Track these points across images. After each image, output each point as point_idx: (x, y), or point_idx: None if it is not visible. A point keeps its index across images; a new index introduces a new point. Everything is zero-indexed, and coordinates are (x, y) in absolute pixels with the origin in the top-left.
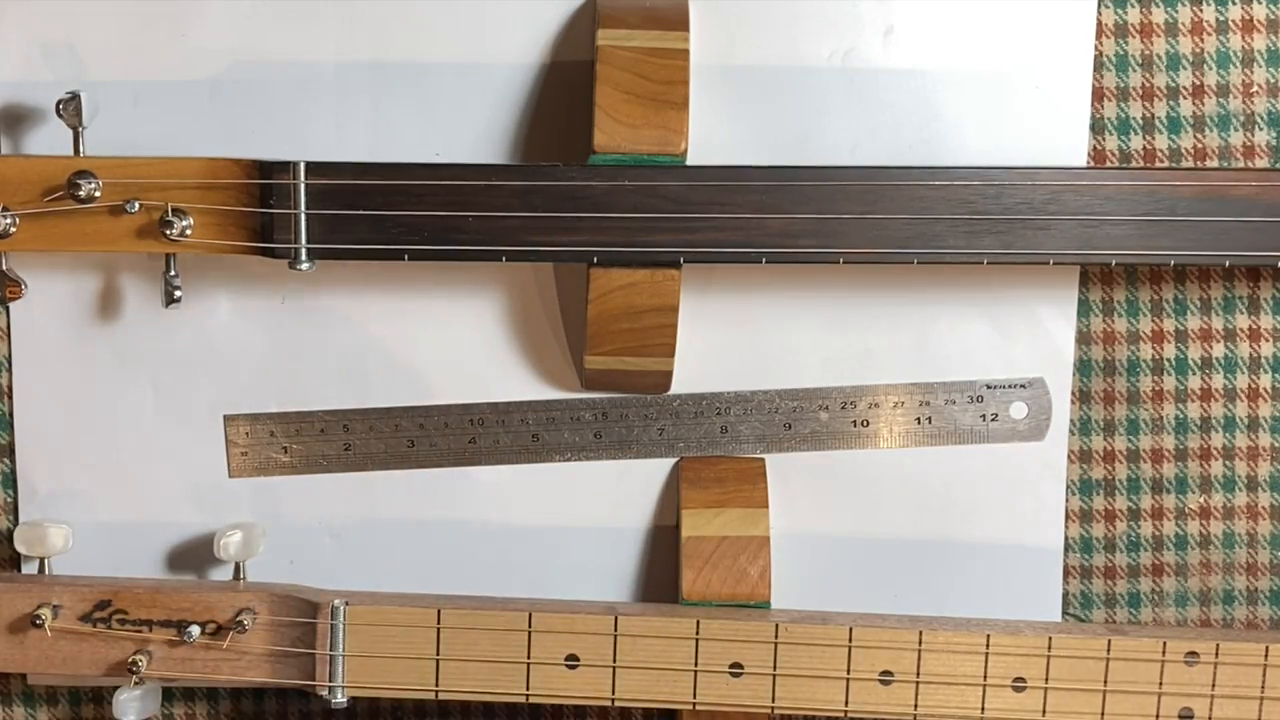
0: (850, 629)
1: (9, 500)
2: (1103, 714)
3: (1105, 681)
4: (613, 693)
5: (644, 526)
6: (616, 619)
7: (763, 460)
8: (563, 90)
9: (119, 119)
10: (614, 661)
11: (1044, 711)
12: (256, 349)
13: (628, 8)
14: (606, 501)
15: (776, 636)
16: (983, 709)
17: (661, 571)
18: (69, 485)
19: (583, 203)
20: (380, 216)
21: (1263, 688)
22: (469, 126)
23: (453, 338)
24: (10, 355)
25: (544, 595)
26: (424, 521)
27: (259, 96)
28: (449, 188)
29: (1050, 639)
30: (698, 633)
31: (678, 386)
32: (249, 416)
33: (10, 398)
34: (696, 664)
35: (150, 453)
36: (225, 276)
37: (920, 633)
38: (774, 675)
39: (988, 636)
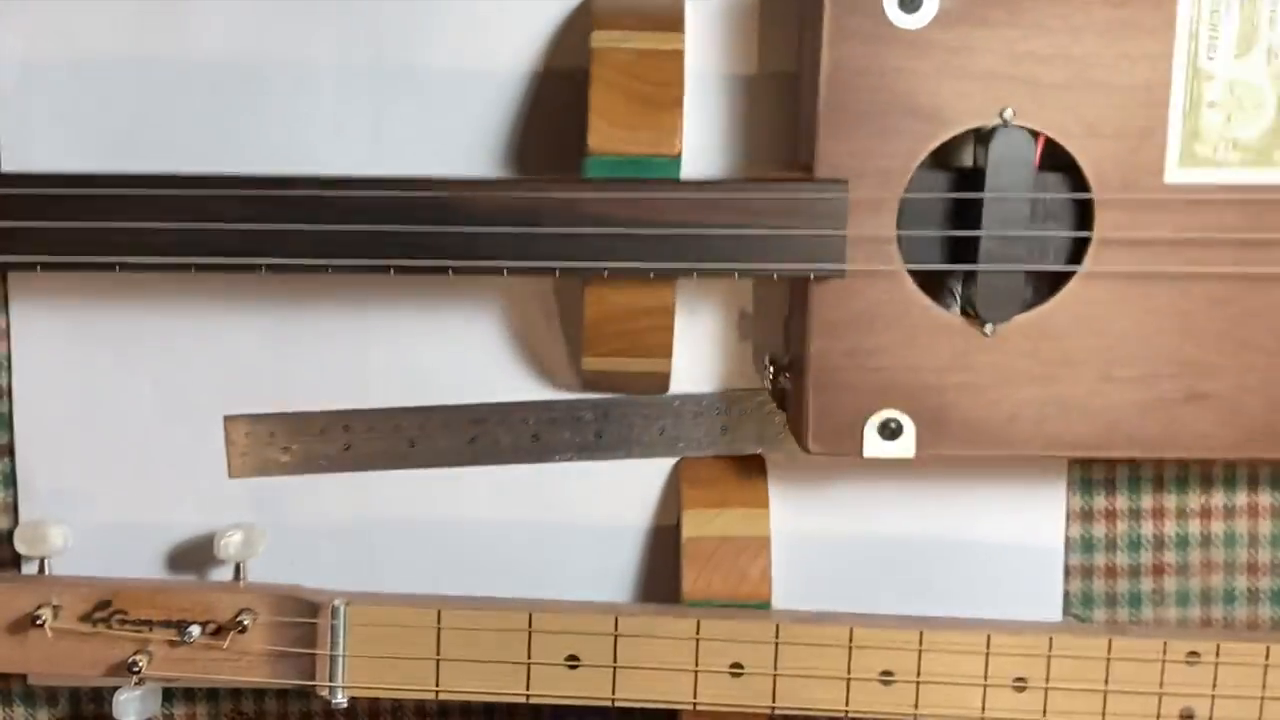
0: (850, 629)
1: (9, 500)
2: (1104, 714)
3: (1106, 681)
4: (613, 693)
5: (644, 526)
6: (617, 619)
7: (763, 460)
8: (560, 93)
9: (119, 127)
10: (614, 661)
11: (1045, 711)
12: (256, 349)
13: (622, 10)
14: (606, 501)
15: (776, 636)
16: (983, 709)
17: (661, 571)
18: (69, 485)
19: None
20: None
21: (1264, 687)
22: (467, 130)
23: (453, 338)
24: (10, 355)
25: (544, 595)
26: (424, 521)
27: (259, 102)
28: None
29: (1051, 638)
30: (698, 633)
31: (677, 386)
32: (249, 417)
33: (10, 398)
34: (697, 664)
35: (150, 453)
36: (225, 276)
37: (920, 632)
38: (774, 675)
39: (988, 636)
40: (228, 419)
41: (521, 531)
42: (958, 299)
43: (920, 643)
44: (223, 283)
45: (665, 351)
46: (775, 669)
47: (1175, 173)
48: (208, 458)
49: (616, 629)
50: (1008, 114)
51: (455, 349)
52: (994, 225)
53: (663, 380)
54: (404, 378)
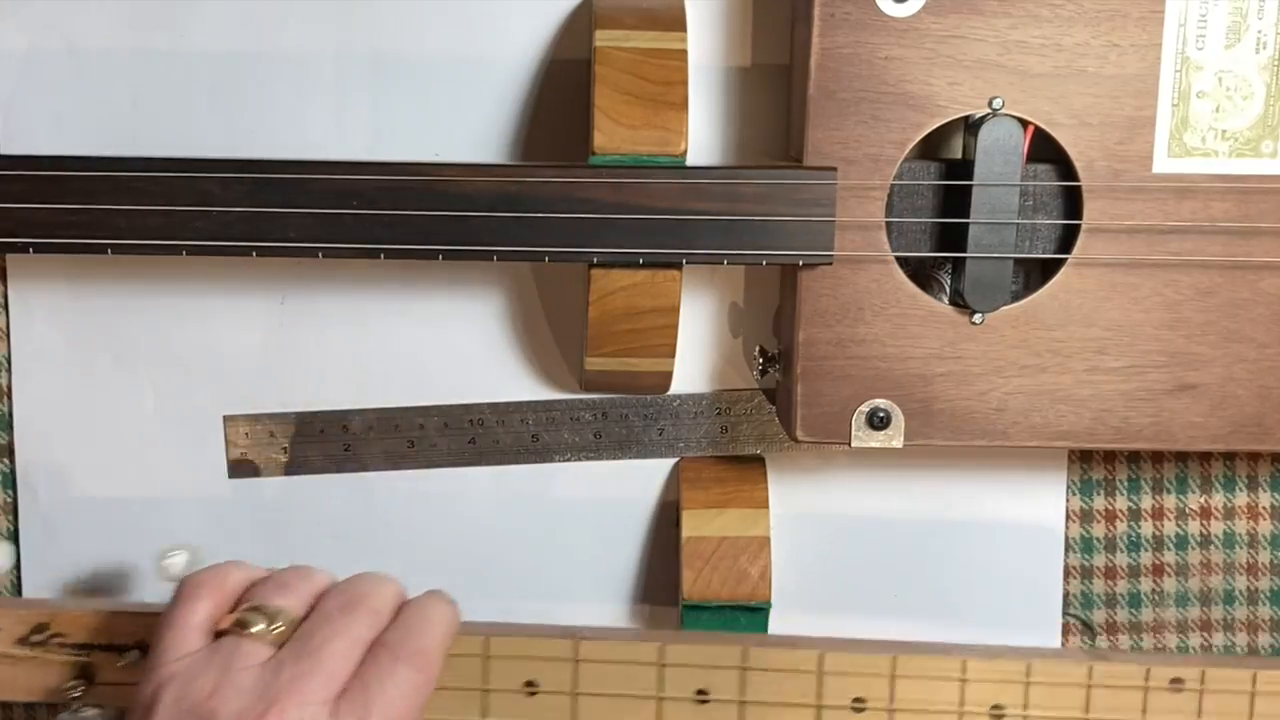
0: (821, 655)
1: (9, 500)
2: None
3: (1087, 709)
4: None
5: (644, 527)
6: (577, 644)
7: (763, 460)
8: (563, 89)
9: (118, 119)
10: (574, 689)
11: None
12: (256, 349)
13: (624, 8)
14: (606, 502)
15: (744, 662)
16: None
17: (662, 572)
18: (69, 485)
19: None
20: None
21: (1251, 715)
22: (468, 125)
23: (453, 338)
24: (10, 355)
25: (543, 596)
26: (424, 522)
27: (258, 96)
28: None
29: (1029, 665)
30: (661, 658)
31: (677, 386)
32: (249, 416)
33: (10, 398)
34: (661, 691)
35: (150, 453)
36: (225, 276)
37: (894, 659)
38: (741, 703)
39: (964, 662)
40: (228, 419)
41: (521, 532)
42: (946, 289)
43: (893, 669)
44: (223, 282)
45: (668, 351)
46: (743, 696)
47: (1164, 162)
48: (208, 458)
49: (577, 654)
50: (997, 103)
51: (455, 348)
52: (983, 214)
53: (664, 380)
54: (404, 378)
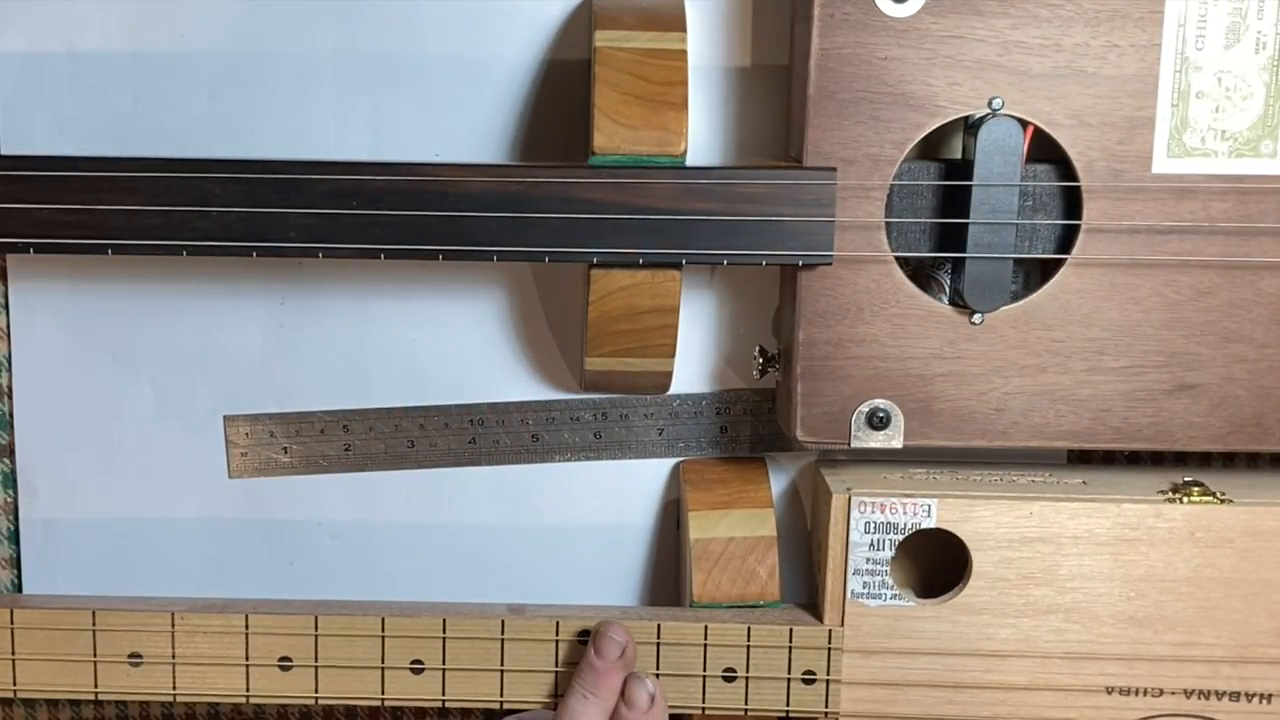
0: (382, 619)
1: (9, 500)
2: (501, 693)
3: (502, 661)
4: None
5: (644, 527)
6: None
7: (764, 460)
8: (563, 89)
9: (119, 120)
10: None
11: (444, 692)
12: (256, 349)
13: (624, 9)
14: (606, 501)
15: (173, 626)
16: (383, 691)
17: (662, 572)
18: (69, 485)
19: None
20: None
21: (657, 663)
22: (468, 125)
23: (453, 338)
24: (10, 355)
25: (544, 596)
26: (424, 522)
27: (258, 97)
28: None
29: (445, 620)
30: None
31: (677, 386)
32: (249, 416)
33: (10, 398)
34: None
35: (150, 453)
36: (225, 276)
37: (316, 617)
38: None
39: (383, 620)
40: (228, 419)
41: (521, 532)
42: (946, 289)
43: (316, 628)
44: (223, 281)
45: (668, 351)
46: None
47: (1163, 163)
48: (208, 458)
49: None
50: (997, 103)
51: (455, 349)
52: (982, 214)
53: (664, 380)
54: (404, 378)
